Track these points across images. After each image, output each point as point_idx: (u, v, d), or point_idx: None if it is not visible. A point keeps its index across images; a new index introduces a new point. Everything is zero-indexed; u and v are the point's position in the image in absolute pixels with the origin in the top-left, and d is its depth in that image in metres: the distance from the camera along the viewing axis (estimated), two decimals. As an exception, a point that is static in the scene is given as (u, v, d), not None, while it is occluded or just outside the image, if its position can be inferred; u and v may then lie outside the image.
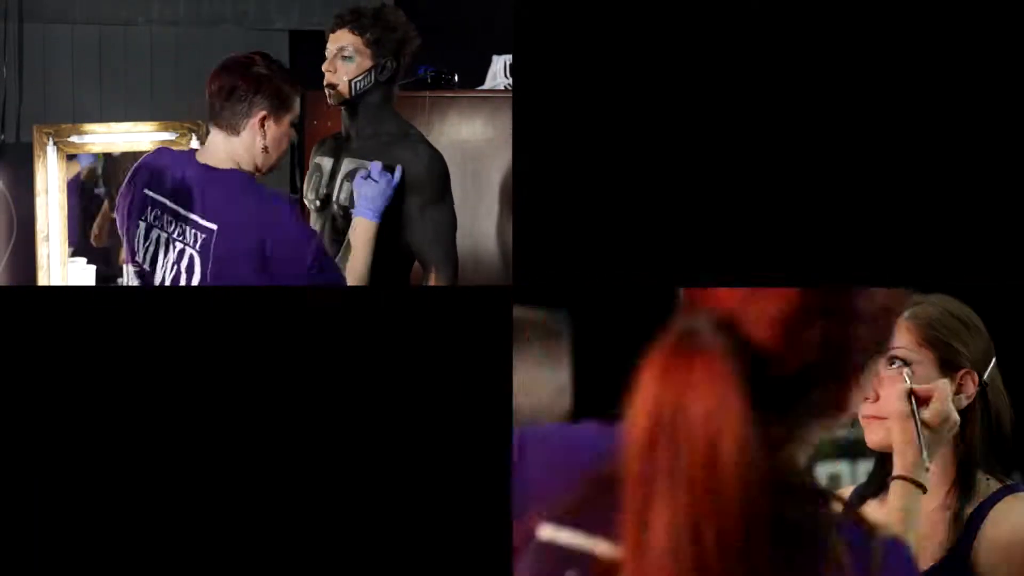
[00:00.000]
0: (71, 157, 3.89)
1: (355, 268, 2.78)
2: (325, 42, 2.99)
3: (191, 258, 2.48)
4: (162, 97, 4.16)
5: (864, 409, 1.57)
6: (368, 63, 2.91)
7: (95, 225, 4.06)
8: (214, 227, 2.45)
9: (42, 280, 3.85)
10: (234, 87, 2.51)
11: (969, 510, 1.50)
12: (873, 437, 1.57)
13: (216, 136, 2.56)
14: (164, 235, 2.54)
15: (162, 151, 2.75)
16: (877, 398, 1.55)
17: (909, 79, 2.45)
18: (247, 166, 2.55)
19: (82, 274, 3.91)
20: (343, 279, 2.68)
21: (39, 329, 2.21)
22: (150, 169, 2.65)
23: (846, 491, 1.70)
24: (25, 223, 3.87)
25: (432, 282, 2.96)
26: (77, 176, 3.99)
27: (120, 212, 2.69)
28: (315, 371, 2.05)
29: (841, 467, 5.20)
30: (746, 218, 2.52)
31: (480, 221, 3.20)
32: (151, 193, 2.60)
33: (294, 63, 4.42)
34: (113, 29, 4.07)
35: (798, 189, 2.51)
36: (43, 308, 2.31)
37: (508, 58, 4.15)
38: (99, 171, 4.07)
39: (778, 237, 2.51)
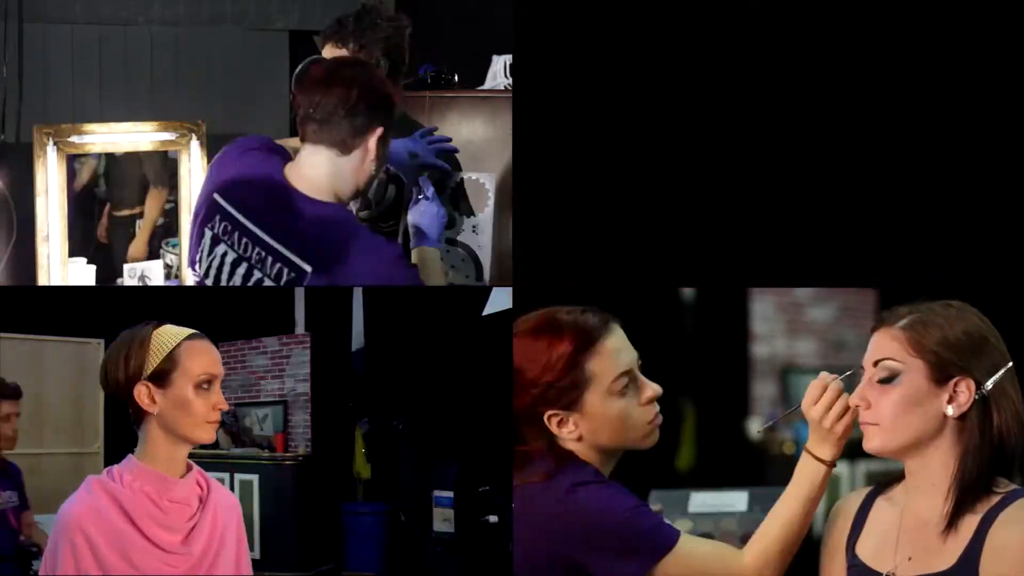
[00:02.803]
0: (73, 157, 3.89)
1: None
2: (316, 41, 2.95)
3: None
4: (162, 97, 4.16)
5: (861, 416, 1.58)
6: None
7: (100, 225, 4.06)
8: (308, 269, 2.15)
9: (42, 280, 3.84)
10: (357, 98, 2.17)
11: (977, 517, 1.50)
12: (870, 443, 1.58)
13: (317, 155, 2.20)
14: (234, 255, 2.22)
15: (246, 152, 2.34)
16: (869, 405, 1.56)
17: (909, 79, 2.45)
18: (348, 191, 2.24)
19: (82, 274, 3.91)
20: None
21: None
22: (227, 173, 2.30)
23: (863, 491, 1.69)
24: (25, 223, 3.87)
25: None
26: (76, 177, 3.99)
27: (195, 207, 2.38)
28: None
29: (841, 467, 5.21)
30: (745, 218, 2.52)
31: (479, 221, 3.20)
32: (223, 202, 2.26)
33: (294, 63, 4.42)
34: (113, 29, 4.07)
35: (797, 190, 2.51)
36: (43, 308, 2.30)
37: (508, 58, 4.15)
38: (100, 171, 4.07)
39: (777, 237, 2.51)
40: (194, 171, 3.94)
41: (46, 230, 3.85)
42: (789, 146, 2.50)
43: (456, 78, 4.31)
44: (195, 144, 4.01)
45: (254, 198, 2.22)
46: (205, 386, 1.68)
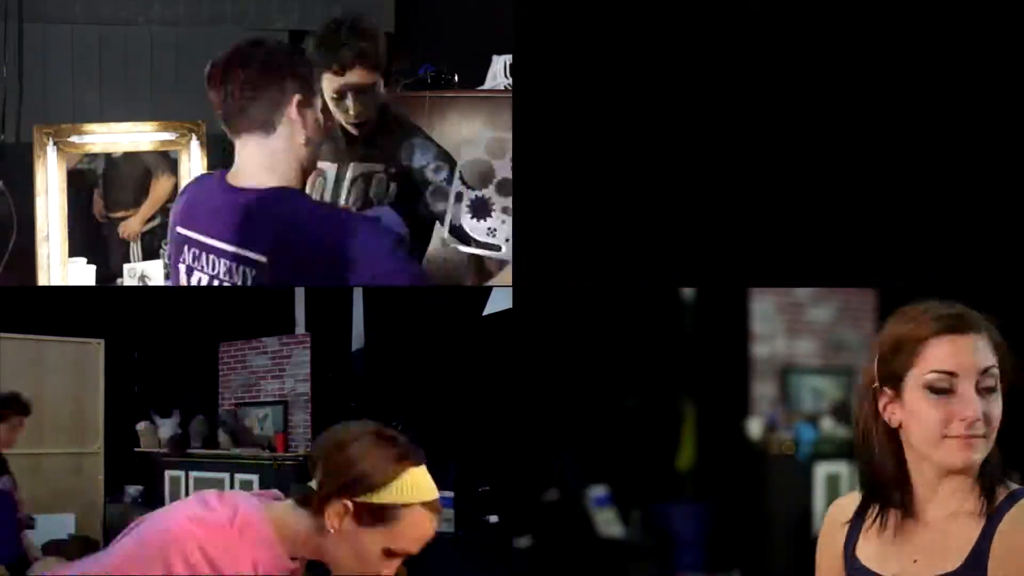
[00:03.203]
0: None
1: None
2: (314, 68, 2.91)
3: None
4: (162, 97, 4.16)
5: (973, 429, 1.52)
6: (381, 80, 2.89)
7: (95, 212, 4.06)
8: (263, 260, 2.09)
9: (42, 280, 3.84)
10: (255, 80, 2.12)
11: (983, 516, 1.50)
12: (977, 454, 1.54)
13: (247, 145, 2.17)
14: (207, 277, 2.19)
15: (197, 181, 2.35)
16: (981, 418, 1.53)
17: (909, 79, 2.45)
18: (293, 176, 2.18)
19: (82, 274, 3.91)
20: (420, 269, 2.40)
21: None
22: (181, 203, 2.30)
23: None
24: (25, 223, 3.87)
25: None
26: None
27: (167, 251, 2.34)
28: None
29: (841, 467, 5.21)
30: (745, 218, 2.52)
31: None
32: (184, 231, 2.24)
33: (294, 63, 4.43)
34: (113, 29, 4.07)
35: (797, 190, 2.51)
36: (43, 308, 2.30)
37: (508, 58, 4.15)
38: (99, 171, 4.08)
39: (777, 237, 2.51)
40: (194, 171, 3.93)
41: (46, 230, 3.85)
42: (789, 146, 2.50)
43: (456, 78, 4.31)
44: (195, 144, 4.01)
45: (204, 214, 2.20)
46: (388, 554, 1.54)
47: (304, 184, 2.24)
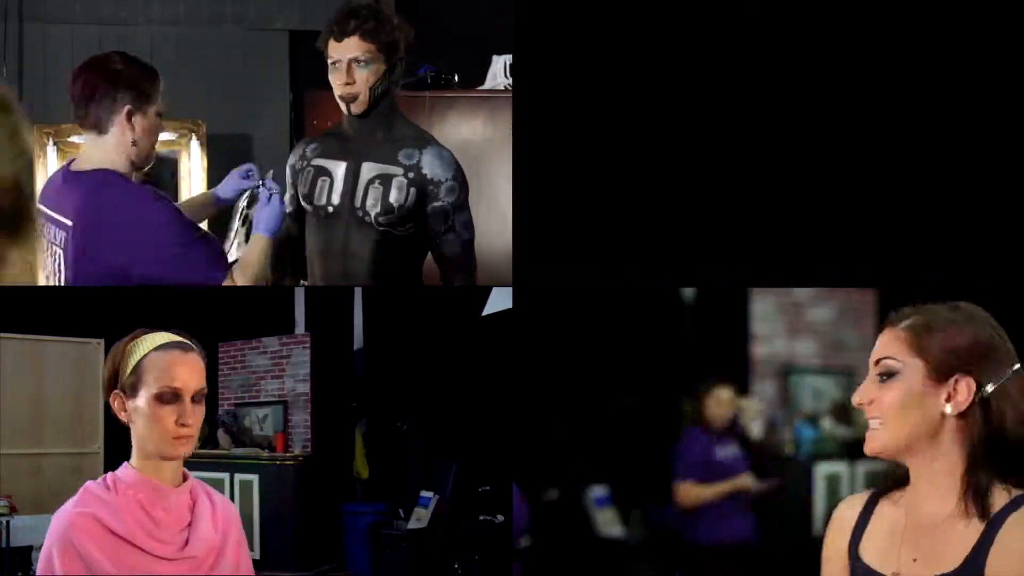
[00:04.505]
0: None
1: (247, 273, 2.74)
2: (319, 47, 2.90)
3: (58, 256, 2.64)
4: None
5: (867, 412, 1.57)
6: (383, 67, 2.86)
7: None
8: (69, 223, 2.57)
9: (42, 280, 3.84)
10: (95, 87, 2.59)
11: (985, 520, 1.49)
12: (871, 445, 1.57)
13: (87, 139, 2.66)
14: (46, 241, 2.68)
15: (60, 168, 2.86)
16: (871, 402, 1.56)
17: (909, 80, 2.45)
18: (122, 165, 2.63)
19: (82, 274, 3.90)
20: (222, 261, 2.70)
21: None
22: (47, 183, 2.78)
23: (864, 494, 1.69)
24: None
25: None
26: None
27: None
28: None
29: (840, 467, 5.21)
30: (746, 218, 2.52)
31: (480, 221, 3.20)
32: (39, 204, 2.67)
33: (294, 63, 4.42)
34: (113, 29, 4.07)
35: (798, 190, 2.51)
36: (43, 308, 2.32)
37: (508, 58, 4.15)
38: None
39: (777, 237, 2.51)
40: (194, 171, 3.93)
41: (46, 230, 3.85)
42: (789, 146, 2.50)
43: (456, 78, 4.30)
44: (195, 144, 4.01)
45: (49, 190, 2.70)
46: (169, 399, 1.65)
47: (133, 173, 2.67)
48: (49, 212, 2.66)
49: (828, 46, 2.47)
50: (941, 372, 1.52)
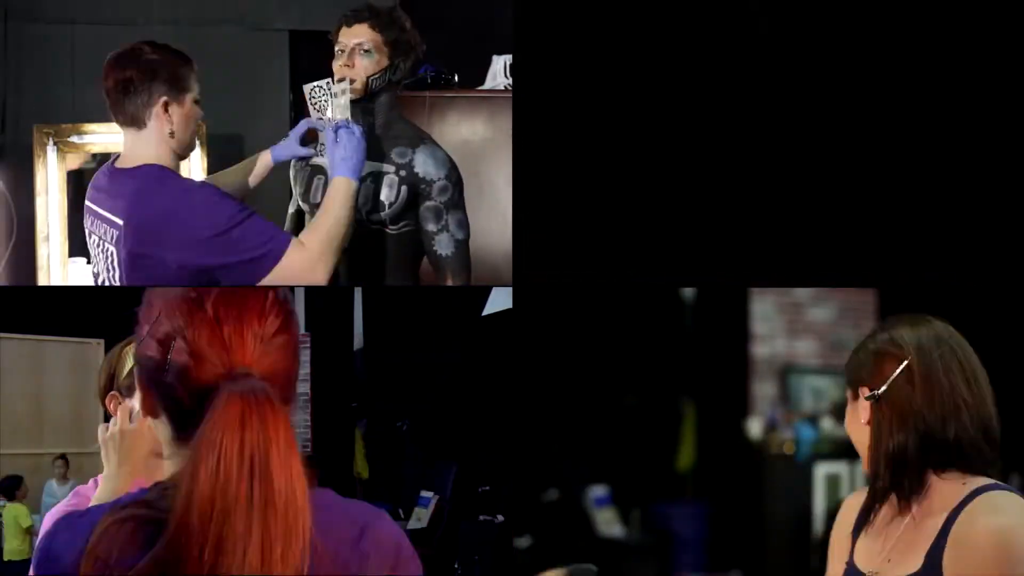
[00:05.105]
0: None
1: (324, 231, 2.60)
2: (330, 37, 2.92)
3: (111, 254, 2.56)
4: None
5: None
6: (385, 61, 2.87)
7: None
8: (120, 222, 2.50)
9: (42, 280, 3.85)
10: (129, 81, 2.50)
11: (944, 514, 1.50)
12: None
13: (126, 136, 2.58)
14: (96, 238, 2.63)
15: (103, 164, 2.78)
16: None
17: (909, 79, 2.45)
18: (165, 158, 2.55)
19: (82, 274, 3.91)
20: (280, 240, 2.53)
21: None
22: (91, 182, 2.74)
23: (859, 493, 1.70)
24: (25, 223, 3.87)
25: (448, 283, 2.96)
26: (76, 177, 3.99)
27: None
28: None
29: (841, 467, 5.21)
30: (746, 218, 2.52)
31: (480, 221, 3.20)
32: (87, 203, 2.68)
33: (294, 63, 4.42)
34: (113, 29, 4.06)
35: (798, 189, 2.51)
36: (43, 308, 2.32)
37: (508, 58, 4.15)
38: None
39: (777, 237, 2.51)
40: (194, 171, 3.94)
41: (46, 230, 3.86)
42: (789, 146, 2.50)
43: (456, 78, 4.30)
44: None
45: (98, 188, 2.65)
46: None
47: (177, 166, 2.59)
48: (99, 211, 2.61)
49: (828, 46, 2.47)
50: (852, 390, 1.66)
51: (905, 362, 1.56)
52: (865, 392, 1.60)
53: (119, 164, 2.62)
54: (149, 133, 2.54)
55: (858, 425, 1.63)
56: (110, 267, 2.58)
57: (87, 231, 2.70)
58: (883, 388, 1.57)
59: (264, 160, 2.99)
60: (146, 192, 2.49)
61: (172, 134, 2.55)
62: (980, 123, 2.44)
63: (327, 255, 2.54)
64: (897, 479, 1.55)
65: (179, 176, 2.58)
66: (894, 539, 1.56)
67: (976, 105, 2.43)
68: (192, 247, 2.42)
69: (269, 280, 2.44)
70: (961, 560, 1.45)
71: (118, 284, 2.55)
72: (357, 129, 2.71)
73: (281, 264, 2.45)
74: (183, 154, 2.62)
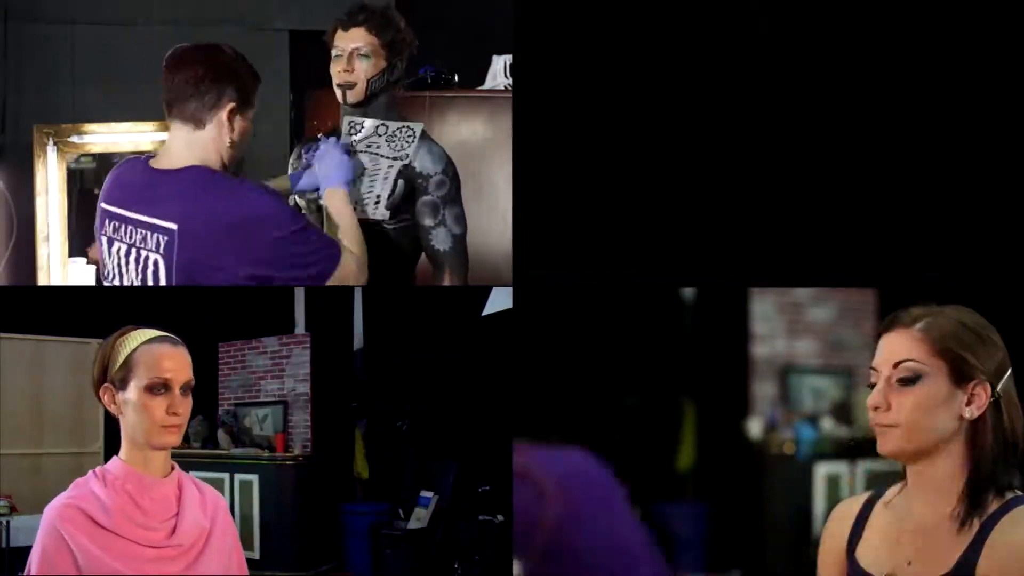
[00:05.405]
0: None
1: (351, 235, 2.65)
2: (325, 40, 2.93)
3: (155, 263, 2.41)
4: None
5: (878, 418, 1.56)
6: (383, 63, 2.88)
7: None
8: (173, 227, 2.37)
9: (42, 280, 3.84)
10: (202, 77, 2.40)
11: (979, 521, 1.49)
12: (887, 446, 1.56)
13: (177, 133, 2.44)
14: (125, 246, 2.47)
15: (122, 163, 2.61)
16: (889, 407, 1.55)
17: (909, 79, 2.45)
18: (214, 163, 2.44)
19: (82, 274, 3.91)
20: (335, 246, 2.55)
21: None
22: (107, 184, 2.57)
23: (862, 496, 1.69)
24: (25, 223, 3.87)
25: (446, 282, 2.96)
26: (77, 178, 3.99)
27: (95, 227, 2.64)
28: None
29: (841, 467, 5.21)
30: (746, 218, 2.52)
31: (480, 221, 3.20)
32: (107, 206, 2.52)
33: (294, 63, 4.42)
34: (113, 29, 4.07)
35: (798, 189, 2.51)
36: (43, 308, 2.31)
37: (508, 58, 4.15)
38: (98, 171, 4.08)
39: (777, 237, 2.51)
40: (194, 171, 3.93)
41: (46, 230, 3.85)
42: (789, 146, 2.50)
43: (456, 78, 4.30)
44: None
45: (125, 190, 2.48)
46: (159, 390, 1.69)
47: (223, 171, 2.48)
48: (130, 215, 2.44)
49: (828, 46, 2.47)
50: (962, 375, 1.52)
51: (1010, 368, 1.55)
52: (985, 384, 1.53)
53: (159, 164, 2.47)
54: (205, 135, 2.42)
55: (952, 413, 1.53)
56: (146, 277, 2.43)
57: (105, 237, 2.53)
58: (1000, 387, 1.53)
59: (284, 187, 2.93)
60: (205, 194, 2.37)
61: (232, 144, 2.44)
62: (980, 124, 2.44)
63: (364, 256, 2.60)
64: (993, 486, 1.52)
65: (233, 178, 2.46)
66: (919, 543, 1.55)
67: (976, 106, 2.43)
68: (260, 252, 2.36)
69: (331, 282, 2.47)
70: (998, 568, 1.45)
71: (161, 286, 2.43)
72: (338, 142, 2.76)
73: (340, 268, 2.49)
74: (230, 167, 2.49)
